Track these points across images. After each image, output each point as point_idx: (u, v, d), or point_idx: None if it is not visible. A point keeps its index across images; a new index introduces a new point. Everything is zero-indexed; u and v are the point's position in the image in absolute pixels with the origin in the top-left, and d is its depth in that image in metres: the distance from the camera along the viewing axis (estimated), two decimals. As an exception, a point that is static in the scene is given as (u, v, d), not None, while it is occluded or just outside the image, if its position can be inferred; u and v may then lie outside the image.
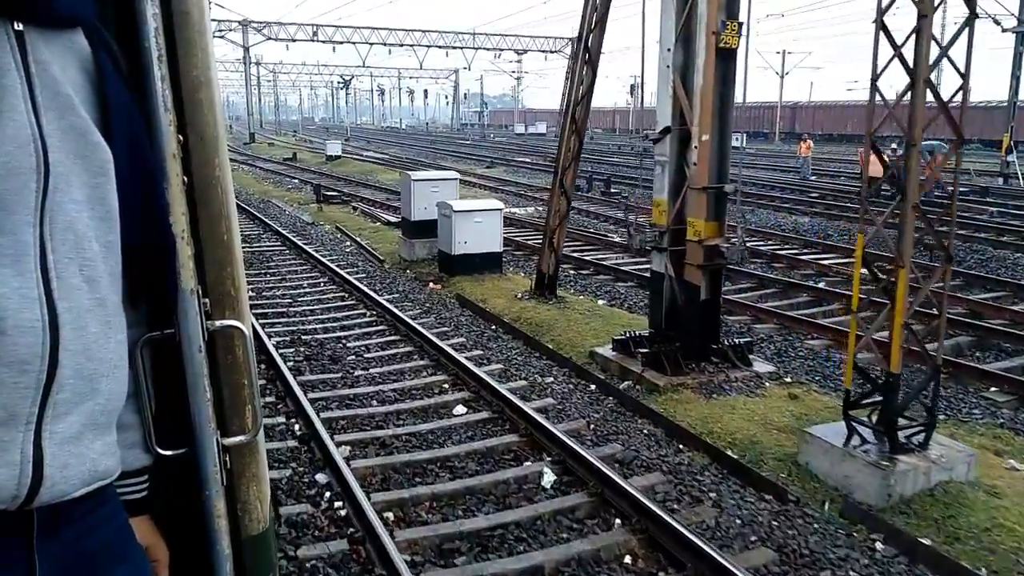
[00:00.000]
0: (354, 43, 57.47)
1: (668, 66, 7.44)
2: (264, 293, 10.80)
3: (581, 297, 10.71)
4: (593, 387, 7.17)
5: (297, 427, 6.17)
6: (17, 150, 0.99)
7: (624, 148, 49.73)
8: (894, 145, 30.29)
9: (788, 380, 7.35)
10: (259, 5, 77.29)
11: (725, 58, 6.98)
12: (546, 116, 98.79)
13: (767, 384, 7.20)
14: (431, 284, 11.55)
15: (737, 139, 28.70)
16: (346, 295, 10.70)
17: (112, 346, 1.11)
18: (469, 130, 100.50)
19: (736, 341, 7.64)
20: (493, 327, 9.27)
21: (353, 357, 7.96)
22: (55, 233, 1.03)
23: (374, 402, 6.75)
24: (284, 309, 9.93)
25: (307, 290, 11.07)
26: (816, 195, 22.40)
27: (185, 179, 1.28)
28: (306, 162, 37.91)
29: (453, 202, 11.77)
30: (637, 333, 7.91)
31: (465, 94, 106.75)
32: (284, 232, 15.72)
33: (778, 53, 55.91)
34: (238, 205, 20.37)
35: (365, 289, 10.54)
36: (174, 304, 1.27)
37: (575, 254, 13.73)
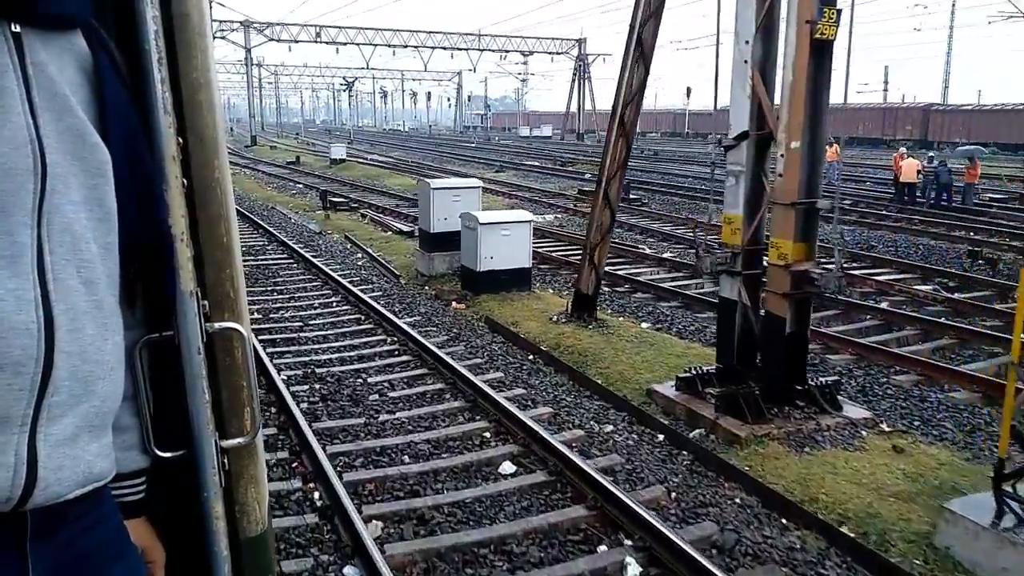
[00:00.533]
0: (358, 44, 56.55)
1: (746, 61, 6.39)
2: (271, 315, 9.74)
3: (622, 319, 9.65)
4: (661, 438, 6.10)
5: (317, 495, 5.10)
6: (14, 151, 0.99)
7: (643, 151, 48.58)
8: (931, 153, 29.37)
9: (886, 428, 6.29)
10: (261, 5, 76.20)
11: (820, 51, 5.92)
12: (551, 119, 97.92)
13: (864, 433, 6.13)
14: (454, 303, 10.49)
15: None
16: (362, 317, 9.64)
17: (109, 348, 1.11)
18: (472, 133, 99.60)
19: (823, 380, 6.57)
20: (531, 357, 8.20)
21: (376, 396, 6.89)
22: (52, 234, 1.03)
23: (405, 457, 5.68)
24: (294, 335, 8.86)
25: (319, 311, 10.00)
26: (849, 203, 21.30)
27: (184, 181, 1.27)
28: (310, 166, 36.86)
29: (478, 213, 10.71)
30: (704, 369, 6.85)
31: (469, 96, 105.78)
32: (290, 243, 14.66)
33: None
34: (241, 212, 19.32)
35: (383, 311, 9.47)
36: (173, 306, 1.27)
37: (606, 268, 12.67)
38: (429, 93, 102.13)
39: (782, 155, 6.11)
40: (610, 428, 6.19)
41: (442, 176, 29.01)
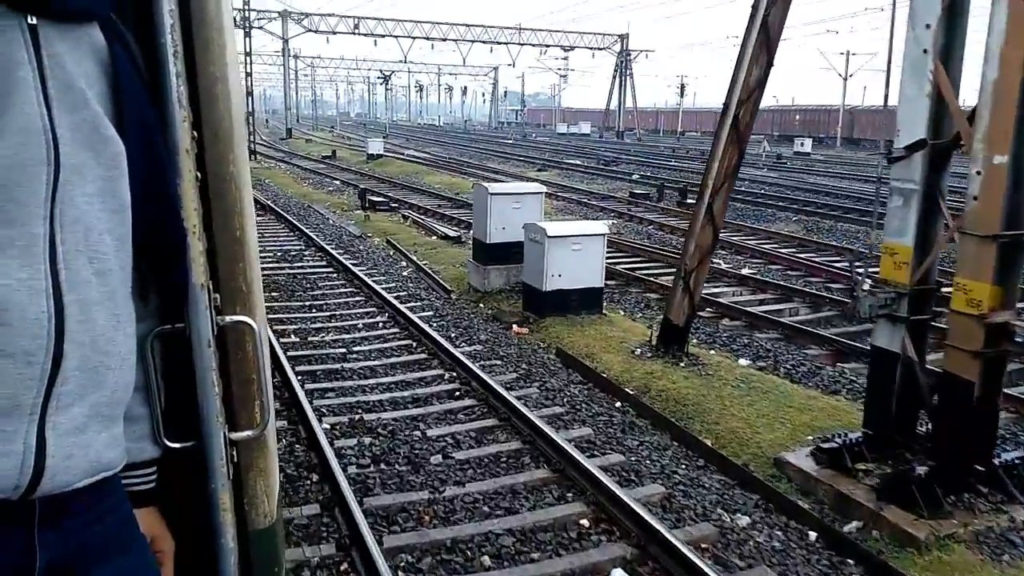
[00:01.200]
0: (396, 37, 55.50)
1: (925, 50, 4.99)
2: (311, 338, 8.51)
3: (714, 353, 8.27)
4: (813, 536, 4.72)
5: (374, 620, 3.82)
6: (28, 142, 1.00)
7: (688, 151, 46.78)
8: None
9: (1098, 525, 4.85)
10: (299, -3, 75.58)
11: (1042, 36, 4.50)
12: (587, 116, 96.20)
13: (1075, 534, 4.71)
14: (515, 327, 9.18)
15: (800, 143, 26.08)
16: (413, 343, 8.37)
17: (121, 339, 1.12)
18: (508, 129, 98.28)
19: (1010, 458, 5.15)
20: (618, 404, 6.86)
21: (439, 458, 5.60)
22: (65, 225, 1.03)
23: (485, 556, 4.38)
24: (337, 365, 7.62)
25: (364, 334, 8.75)
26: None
27: (199, 175, 1.27)
28: (346, 161, 35.82)
29: (545, 224, 9.38)
30: (849, 437, 5.46)
31: (505, 92, 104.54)
32: (329, 248, 13.46)
33: (842, 54, 52.76)
34: (276, 211, 18.18)
35: (437, 337, 8.19)
36: (185, 298, 1.27)
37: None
38: (465, 88, 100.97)
39: (978, 172, 4.70)
40: (745, 521, 4.83)
41: (483, 175, 27.80)
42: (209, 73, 1.31)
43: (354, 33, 53.89)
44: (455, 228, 16.21)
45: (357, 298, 10.39)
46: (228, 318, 1.37)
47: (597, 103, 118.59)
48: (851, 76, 53.33)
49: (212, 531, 1.37)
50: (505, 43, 58.33)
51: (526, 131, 76.51)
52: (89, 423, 1.09)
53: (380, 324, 9.15)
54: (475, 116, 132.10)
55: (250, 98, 31.36)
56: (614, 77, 62.15)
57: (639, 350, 8.05)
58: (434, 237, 15.34)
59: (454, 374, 7.38)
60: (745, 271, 12.62)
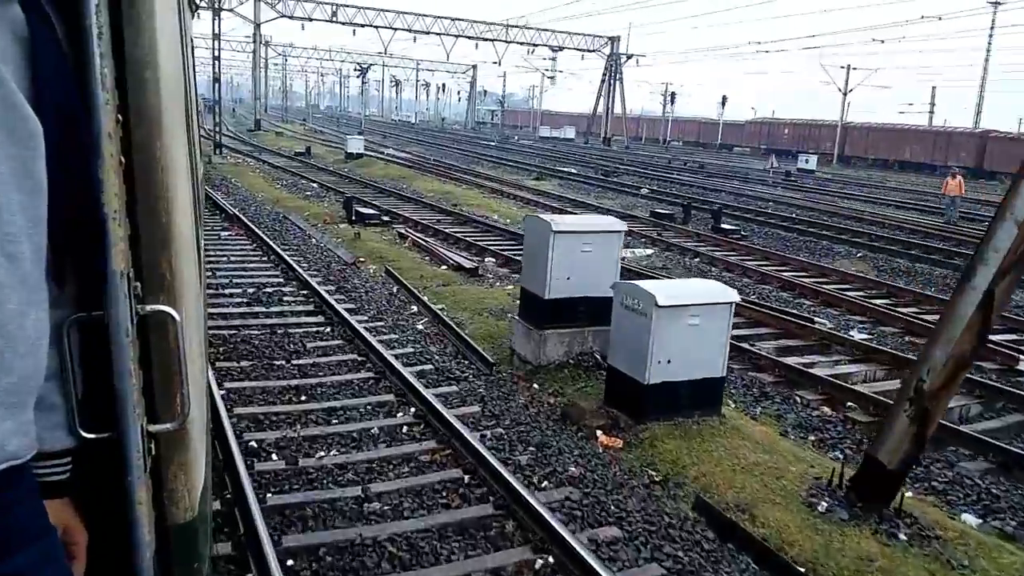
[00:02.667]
0: (376, 27, 52.14)
1: None
2: (306, 457, 5.47)
3: (931, 504, 5.45)
4: None
5: None
6: None
7: (685, 163, 43.99)
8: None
9: None
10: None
11: None
12: (565, 120, 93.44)
13: None
14: (601, 436, 6.27)
15: (804, 160, 23.16)
16: (464, 474, 5.38)
17: (31, 324, 1.08)
18: (487, 130, 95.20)
19: None
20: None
21: None
22: None
23: None
24: (349, 526, 4.60)
25: (384, 451, 5.72)
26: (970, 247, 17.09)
27: (123, 159, 1.24)
28: (322, 159, 32.50)
29: (652, 287, 6.43)
30: None
31: (484, 91, 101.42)
32: (315, 282, 10.38)
33: (842, 67, 50.84)
34: (246, 223, 14.21)
35: (501, 470, 5.21)
36: (103, 285, 1.24)
37: (769, 354, 8.48)
38: (444, 84, 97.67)
39: None
40: None
41: (477, 181, 24.68)
42: (137, 57, 1.29)
43: (331, 21, 50.41)
44: (469, 256, 13.21)
45: (364, 373, 7.34)
46: (149, 307, 1.33)
47: (576, 107, 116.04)
48: (851, 91, 51.42)
49: (129, 525, 1.33)
50: (491, 39, 55.28)
51: (506, 133, 73.53)
52: None
53: (405, 430, 6.14)
54: (449, 115, 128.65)
55: (217, 84, 27.94)
56: (603, 81, 59.52)
57: (817, 498, 5.19)
58: (444, 267, 12.33)
59: (530, 532, 4.45)
60: (856, 334, 9.86)
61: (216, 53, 27.84)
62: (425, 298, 10.27)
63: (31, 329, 1.08)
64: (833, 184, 35.66)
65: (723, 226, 18.14)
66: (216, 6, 35.41)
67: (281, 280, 10.75)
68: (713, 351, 6.51)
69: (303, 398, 6.65)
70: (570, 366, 7.60)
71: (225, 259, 11.74)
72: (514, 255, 13.37)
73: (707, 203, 23.16)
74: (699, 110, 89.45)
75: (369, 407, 6.53)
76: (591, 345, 7.84)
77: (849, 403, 7.57)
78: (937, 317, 10.47)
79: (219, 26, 28.49)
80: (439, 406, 6.28)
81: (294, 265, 11.21)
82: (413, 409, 6.48)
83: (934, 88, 63.73)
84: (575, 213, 19.85)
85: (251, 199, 19.00)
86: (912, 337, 9.94)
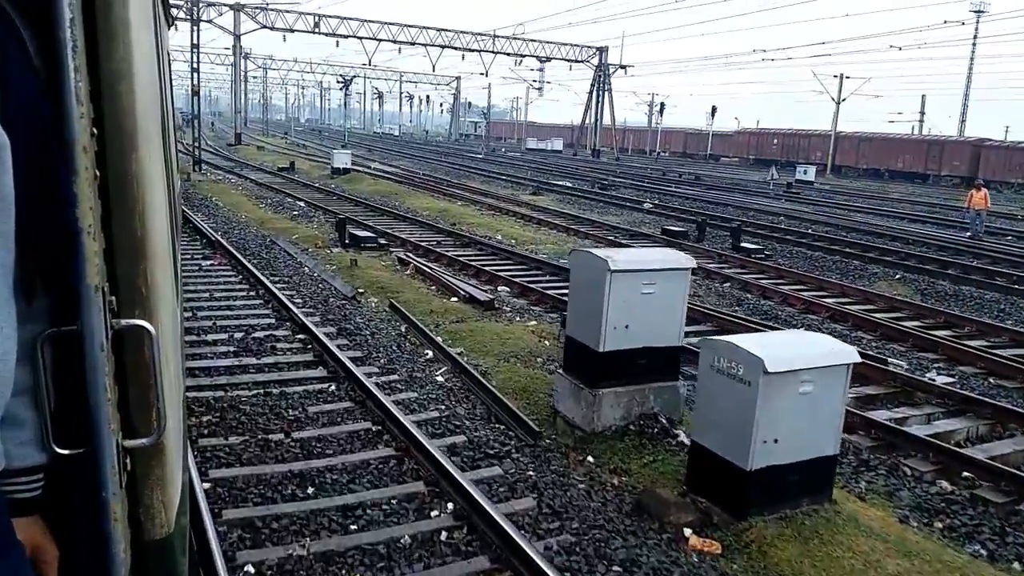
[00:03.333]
0: (360, 38, 50.81)
1: None
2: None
3: None
4: None
5: None
6: None
7: (680, 176, 42.81)
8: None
9: None
10: (252, -7, 70.09)
11: None
12: (550, 132, 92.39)
13: None
14: (692, 538, 4.95)
15: (803, 171, 21.96)
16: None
17: None
18: (472, 142, 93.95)
19: None
20: None
21: None
22: None
23: None
24: None
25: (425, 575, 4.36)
26: (1008, 266, 15.93)
27: (97, 173, 1.22)
28: (307, 175, 31.04)
29: (753, 344, 5.10)
30: None
31: (469, 102, 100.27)
32: (312, 324, 8.98)
33: (835, 76, 50.16)
34: (229, 251, 12.04)
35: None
36: (77, 299, 1.21)
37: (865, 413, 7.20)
38: (428, 96, 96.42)
39: None
40: None
41: (472, 197, 23.20)
42: (112, 69, 1.27)
43: (314, 32, 48.99)
44: (479, 285, 11.87)
45: (383, 450, 5.95)
46: (124, 321, 1.32)
47: (560, 118, 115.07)
48: (844, 100, 50.73)
49: (104, 540, 1.29)
50: (478, 50, 54.10)
51: (495, 146, 72.27)
52: None
53: (444, 537, 4.75)
54: (431, 127, 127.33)
55: (196, 98, 26.43)
56: (591, 92, 58.52)
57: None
58: (454, 300, 10.97)
59: None
60: (936, 377, 8.60)
61: (195, 65, 26.36)
62: (440, 339, 8.92)
63: None
64: (837, 196, 34.67)
65: (744, 245, 16.92)
66: (195, 17, 33.93)
67: (273, 321, 9.33)
68: (827, 424, 5.21)
69: (310, 490, 5.26)
70: (631, 433, 6.28)
71: (207, 295, 10.30)
72: (529, 282, 12.05)
73: (716, 218, 21.98)
74: (684, 120, 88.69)
75: (395, 502, 5.14)
76: (653, 406, 6.52)
77: (966, 473, 6.28)
78: (1014, 353, 9.43)
79: (198, 37, 27.00)
80: (484, 502, 4.92)
81: (287, 302, 9.79)
82: (451, 505, 5.10)
83: (924, 96, 63.41)
84: (584, 233, 18.60)
85: (234, 220, 17.54)
86: (997, 379, 8.71)
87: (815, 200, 31.38)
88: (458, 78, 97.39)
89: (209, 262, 12.24)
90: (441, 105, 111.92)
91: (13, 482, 1.19)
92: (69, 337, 1.23)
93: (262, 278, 10.90)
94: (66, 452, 1.25)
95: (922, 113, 63.52)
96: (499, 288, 12.04)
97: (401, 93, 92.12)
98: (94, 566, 1.31)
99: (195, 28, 31.34)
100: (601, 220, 21.16)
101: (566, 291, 7.65)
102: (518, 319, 10.22)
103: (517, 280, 12.29)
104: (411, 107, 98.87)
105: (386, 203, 22.82)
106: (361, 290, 11.31)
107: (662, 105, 62.35)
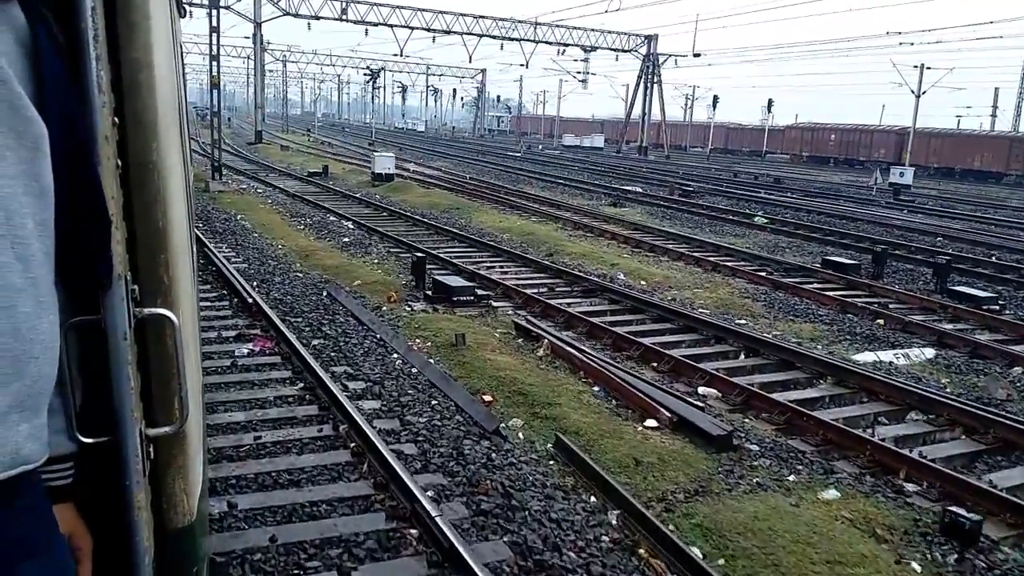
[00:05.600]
0: (391, 25, 46.46)
1: None
2: None
3: None
4: None
5: None
6: None
7: (756, 177, 37.51)
8: None
9: None
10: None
11: None
12: (578, 127, 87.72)
13: None
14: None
15: (899, 173, 16.74)
16: None
17: (45, 327, 1.08)
18: (500, 138, 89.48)
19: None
20: None
21: None
22: None
23: None
24: None
25: None
26: None
27: (119, 163, 1.24)
28: (343, 181, 26.72)
29: None
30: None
31: (498, 96, 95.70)
32: (471, 559, 4.57)
33: (915, 67, 45.32)
34: (270, 319, 6.35)
35: None
36: (100, 288, 1.23)
37: None
38: (455, 91, 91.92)
39: None
40: None
41: (540, 208, 18.13)
42: (133, 59, 1.28)
43: (341, 19, 44.70)
44: (665, 380, 7.46)
45: None
46: (147, 310, 1.32)
47: (584, 112, 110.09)
48: (924, 93, 45.80)
49: (127, 529, 1.31)
50: (519, 39, 49.60)
51: (531, 143, 67.53)
52: (10, 413, 1.03)
53: None
54: (453, 121, 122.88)
55: (216, 91, 22.11)
56: (637, 83, 53.88)
57: None
58: (651, 424, 6.57)
59: None
60: None
61: (215, 51, 22.02)
62: (696, 552, 4.55)
63: (45, 332, 1.07)
64: (963, 205, 29.86)
65: (963, 288, 12.38)
66: (214, 4, 29.60)
67: (382, 526, 4.84)
68: None
69: None
70: None
71: (251, 443, 5.88)
72: (748, 383, 7.65)
73: (859, 238, 17.47)
74: (722, 115, 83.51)
75: None
76: None
77: None
78: None
79: (218, 19, 22.69)
80: None
81: (393, 464, 5.32)
82: None
83: (997, 90, 58.27)
84: (710, 260, 14.17)
85: (269, 254, 13.20)
86: None
87: (946, 212, 26.62)
88: (483, 71, 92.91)
89: (247, 347, 7.86)
90: (462, 99, 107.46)
91: (48, 470, 1.18)
92: (92, 326, 1.23)
93: (338, 394, 6.44)
94: (90, 441, 1.25)
95: (995, 107, 58.52)
96: (699, 388, 7.65)
97: (427, 87, 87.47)
98: (118, 555, 1.31)
99: (215, 12, 26.97)
100: (724, 244, 16.70)
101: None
102: (790, 475, 5.83)
103: (720, 373, 7.90)
104: (436, 102, 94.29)
105: (450, 221, 18.45)
106: (499, 409, 6.93)
107: (715, 99, 57.65)
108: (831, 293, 12.05)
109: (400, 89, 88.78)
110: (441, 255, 13.42)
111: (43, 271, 1.07)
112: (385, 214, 19.24)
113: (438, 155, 46.31)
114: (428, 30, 47.04)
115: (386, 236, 15.46)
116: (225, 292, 10.03)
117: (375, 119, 68.48)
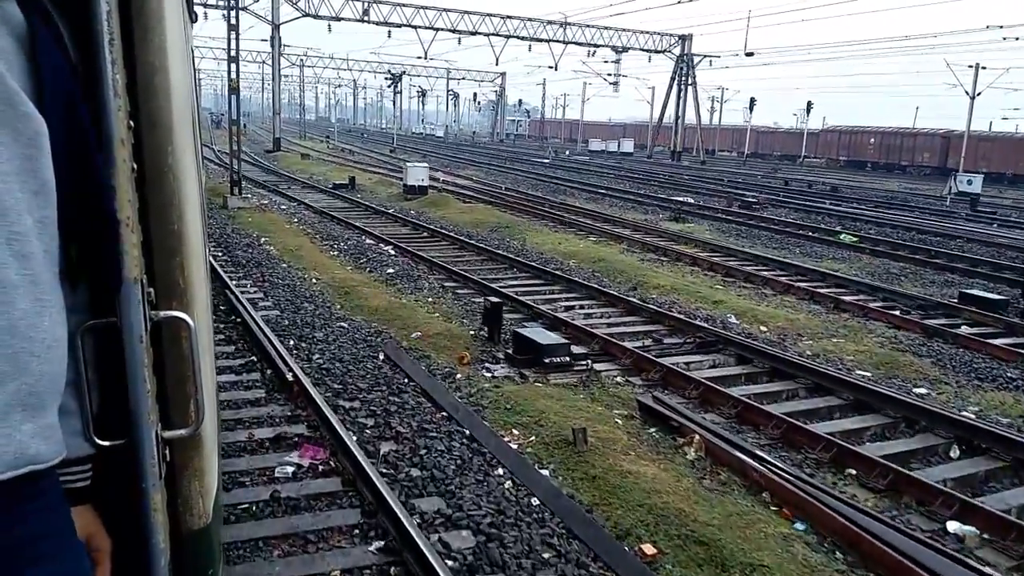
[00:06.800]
0: (415, 27, 44.30)
1: None
2: None
3: None
4: None
5: None
6: None
7: (811, 185, 34.67)
8: None
9: None
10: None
11: None
12: (605, 131, 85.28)
13: None
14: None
15: (967, 181, 13.95)
16: None
17: (46, 324, 1.05)
18: (522, 143, 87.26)
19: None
20: None
21: None
22: None
23: None
24: None
25: None
26: None
27: (134, 166, 1.24)
28: (373, 194, 24.48)
29: None
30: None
31: (520, 100, 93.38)
32: None
33: (970, 66, 42.67)
34: (314, 401, 5.51)
35: None
36: (116, 291, 1.23)
37: None
38: (475, 95, 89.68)
39: None
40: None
41: (588, 223, 15.47)
42: (148, 62, 1.28)
43: (363, 20, 42.58)
44: (912, 520, 5.08)
45: None
46: (163, 313, 1.33)
47: (601, 116, 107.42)
48: (979, 94, 43.13)
49: (144, 532, 1.31)
50: (547, 40, 47.28)
51: (558, 148, 65.05)
52: (11, 412, 1.00)
53: None
54: (468, 126, 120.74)
55: (234, 97, 19.84)
56: (671, 85, 51.43)
57: None
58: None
59: None
60: None
61: (233, 53, 19.79)
62: None
63: (47, 330, 1.05)
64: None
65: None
66: (232, 4, 27.42)
67: None
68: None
69: None
70: None
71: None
72: (972, 485, 5.28)
73: (957, 260, 15.10)
74: (741, 118, 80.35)
75: None
76: None
77: None
78: None
79: (237, 18, 20.46)
80: None
81: None
82: None
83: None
84: (820, 292, 11.78)
85: (302, 291, 10.91)
86: None
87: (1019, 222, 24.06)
88: (503, 74, 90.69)
89: (293, 461, 5.51)
90: (479, 103, 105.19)
91: (66, 472, 1.18)
92: (108, 329, 1.23)
93: (440, 570, 4.11)
94: (106, 444, 1.24)
95: (1047, 107, 55.56)
96: (948, 524, 5.26)
97: (448, 91, 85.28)
98: (135, 557, 1.30)
99: (232, 13, 24.74)
100: (826, 270, 14.27)
101: None
102: None
103: (965, 495, 5.51)
104: (455, 105, 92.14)
105: (502, 243, 16.13)
106: (649, 547, 4.58)
107: (751, 101, 55.00)
108: (1003, 345, 9.60)
109: (419, 93, 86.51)
110: (505, 290, 11.10)
111: (44, 269, 1.05)
112: (426, 234, 16.95)
113: (464, 162, 44.04)
114: (454, 31, 44.85)
115: (435, 265, 13.15)
116: (255, 358, 7.70)
117: (396, 125, 66.00)
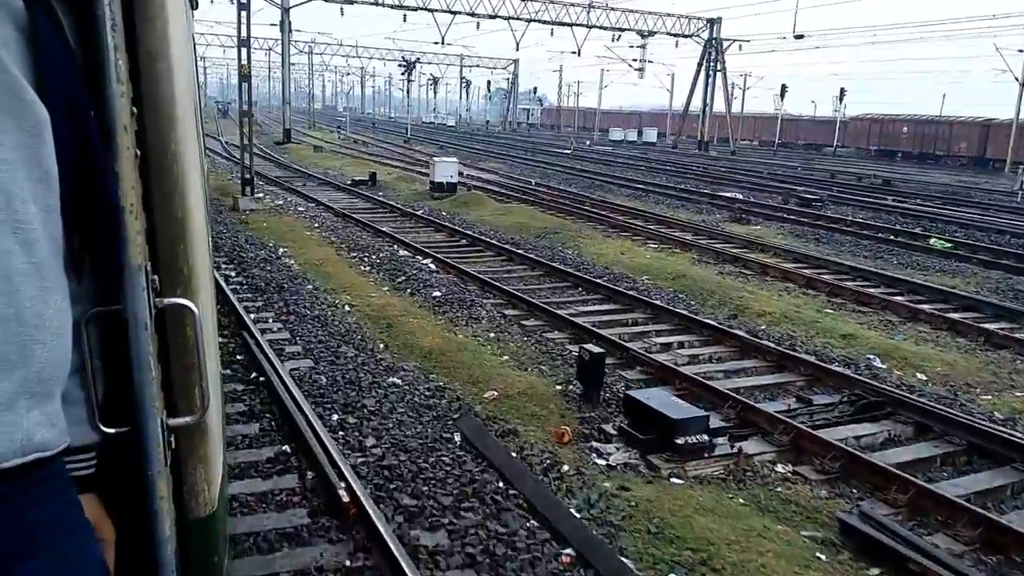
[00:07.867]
0: (432, 10, 42.01)
1: None
2: None
3: None
4: None
5: None
6: None
7: (860, 179, 32.16)
8: None
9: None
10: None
11: None
12: (621, 119, 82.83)
13: None
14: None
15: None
16: None
17: (51, 312, 1.04)
18: (535, 132, 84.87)
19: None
20: None
21: None
22: None
23: None
24: None
25: None
26: None
27: (138, 152, 1.21)
28: (397, 192, 22.33)
29: None
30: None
31: (535, 88, 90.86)
32: None
33: (1020, 51, 40.14)
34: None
35: None
36: (121, 279, 1.21)
37: None
38: (489, 83, 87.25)
39: None
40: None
41: (647, 228, 13.11)
42: (150, 48, 1.25)
43: (377, 3, 40.31)
44: None
45: None
46: (167, 300, 1.30)
47: (613, 104, 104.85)
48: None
49: (149, 519, 1.29)
50: (570, 24, 44.91)
51: (578, 139, 62.68)
52: (17, 399, 0.99)
53: None
54: (476, 114, 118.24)
55: (245, 85, 17.69)
56: (698, 71, 49.04)
57: None
58: None
59: None
60: None
61: (244, 34, 17.60)
62: None
63: (51, 318, 1.04)
64: None
65: None
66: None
67: None
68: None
69: None
70: None
71: None
72: None
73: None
74: (759, 106, 77.61)
75: None
76: None
77: None
78: None
79: (245, -3, 18.24)
80: None
81: None
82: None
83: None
84: (944, 313, 9.63)
85: (335, 326, 8.78)
86: None
87: None
88: (515, 61, 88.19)
89: None
90: (489, 91, 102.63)
91: (71, 460, 1.16)
92: (113, 317, 1.22)
93: None
94: (111, 431, 1.23)
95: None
96: None
97: (461, 78, 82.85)
98: (140, 545, 1.30)
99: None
100: (946, 287, 12.09)
101: None
102: None
103: None
104: (467, 94, 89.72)
105: (554, 252, 13.98)
106: None
107: (783, 88, 52.54)
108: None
109: (431, 81, 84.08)
110: (583, 322, 8.98)
111: (49, 256, 1.03)
112: (464, 242, 14.82)
113: (483, 154, 41.80)
114: (472, 15, 42.55)
115: (487, 284, 11.04)
116: (287, 448, 5.58)
117: (409, 113, 63.72)
